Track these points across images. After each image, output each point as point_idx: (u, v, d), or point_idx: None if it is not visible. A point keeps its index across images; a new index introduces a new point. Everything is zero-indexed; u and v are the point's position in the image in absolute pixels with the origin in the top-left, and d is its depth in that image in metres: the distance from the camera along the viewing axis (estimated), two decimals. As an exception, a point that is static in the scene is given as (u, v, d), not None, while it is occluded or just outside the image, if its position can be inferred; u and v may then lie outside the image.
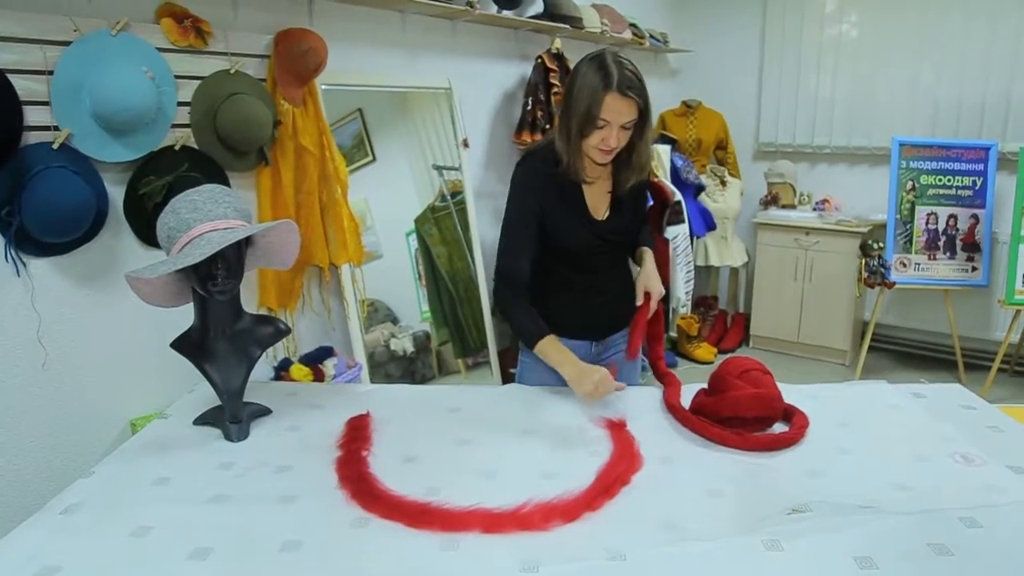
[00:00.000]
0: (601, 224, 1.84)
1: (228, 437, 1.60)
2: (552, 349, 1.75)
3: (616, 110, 1.63)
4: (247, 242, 1.60)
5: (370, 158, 3.06)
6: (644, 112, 1.68)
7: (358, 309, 2.88)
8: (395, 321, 3.14)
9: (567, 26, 3.74)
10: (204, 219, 1.44)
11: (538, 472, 1.44)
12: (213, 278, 1.48)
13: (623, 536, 1.22)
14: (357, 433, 1.57)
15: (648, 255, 1.96)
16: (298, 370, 2.57)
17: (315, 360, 2.67)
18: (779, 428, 1.62)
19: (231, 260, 1.49)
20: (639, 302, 1.87)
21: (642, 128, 1.71)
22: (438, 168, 3.34)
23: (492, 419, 1.70)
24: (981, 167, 4.16)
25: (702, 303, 4.98)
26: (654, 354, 2.00)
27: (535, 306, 1.87)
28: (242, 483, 1.42)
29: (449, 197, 3.38)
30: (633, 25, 4.40)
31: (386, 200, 3.13)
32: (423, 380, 3.22)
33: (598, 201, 1.84)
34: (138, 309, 1.61)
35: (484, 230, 3.54)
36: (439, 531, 1.24)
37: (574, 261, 1.87)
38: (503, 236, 1.84)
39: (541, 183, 1.79)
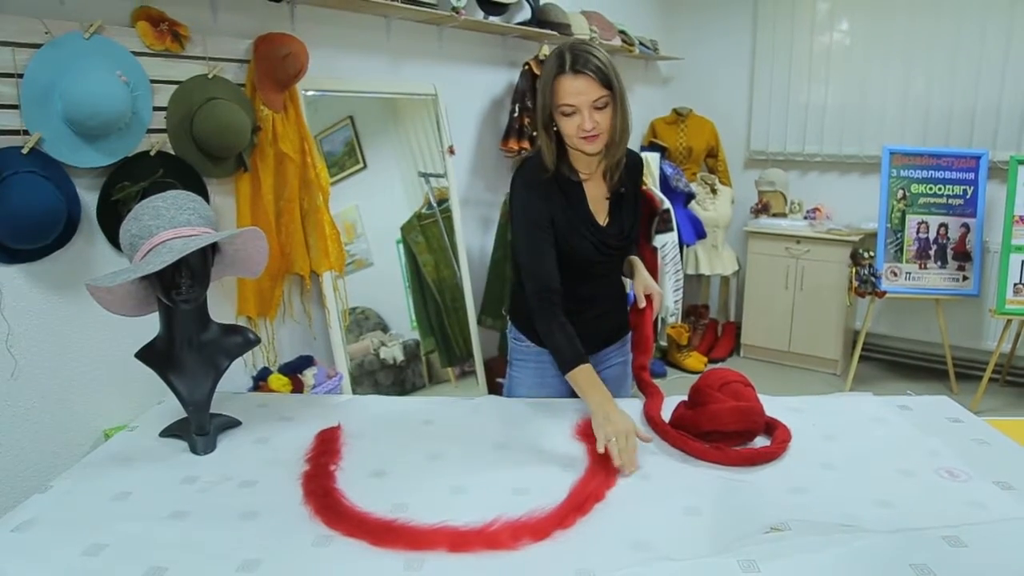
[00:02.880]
0: (604, 230, 1.80)
1: (194, 450, 1.56)
2: (586, 378, 1.62)
3: (575, 91, 1.59)
4: (214, 250, 1.56)
5: (361, 165, 3.03)
6: (612, 89, 1.62)
7: (340, 318, 2.83)
8: (385, 329, 3.10)
9: (555, 33, 3.71)
10: (167, 226, 1.40)
11: (509, 488, 1.39)
12: (177, 287, 1.43)
13: (594, 556, 1.18)
14: (326, 446, 1.53)
15: (639, 263, 1.93)
16: (277, 380, 2.52)
17: (295, 369, 2.63)
18: (760, 442, 1.59)
19: (195, 268, 1.45)
20: (641, 304, 1.84)
21: (615, 106, 1.65)
22: (424, 175, 3.31)
23: (466, 432, 1.66)
24: (972, 176, 4.14)
25: (692, 312, 4.95)
26: (636, 363, 1.96)
27: (523, 324, 1.86)
28: (204, 498, 1.38)
29: (436, 205, 3.35)
30: (623, 32, 4.38)
31: (377, 208, 3.10)
32: (413, 389, 3.18)
33: (598, 207, 1.80)
34: (111, 317, 1.57)
35: (470, 238, 3.50)
36: (404, 550, 1.20)
37: (575, 270, 1.79)
38: (523, 252, 1.74)
39: (544, 189, 1.73)
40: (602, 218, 1.81)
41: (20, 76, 1.91)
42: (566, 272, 1.76)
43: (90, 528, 1.26)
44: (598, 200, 1.80)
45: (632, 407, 1.77)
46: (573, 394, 1.82)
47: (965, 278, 4.17)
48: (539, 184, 1.74)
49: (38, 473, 2.07)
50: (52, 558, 1.18)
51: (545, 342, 1.71)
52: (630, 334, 2.03)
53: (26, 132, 1.93)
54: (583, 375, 1.62)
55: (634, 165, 1.87)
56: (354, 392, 2.81)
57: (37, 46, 1.94)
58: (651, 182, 3.95)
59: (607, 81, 1.60)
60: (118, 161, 2.12)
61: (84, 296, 2.09)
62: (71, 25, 2.00)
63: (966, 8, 4.26)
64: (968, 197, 4.14)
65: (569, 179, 1.75)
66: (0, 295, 1.96)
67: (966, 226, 4.15)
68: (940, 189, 4.17)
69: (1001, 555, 1.18)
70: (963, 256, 4.16)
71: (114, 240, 2.16)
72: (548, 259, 1.71)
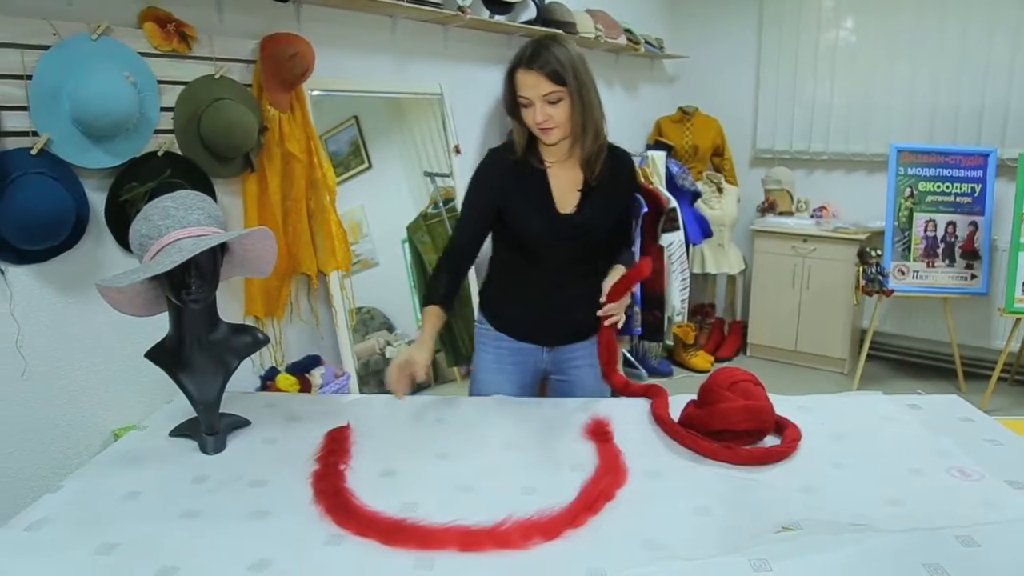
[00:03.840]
0: (564, 216, 1.83)
1: (204, 450, 1.56)
2: (426, 318, 1.82)
3: (528, 85, 1.69)
4: (223, 250, 1.56)
5: (366, 165, 3.03)
6: (564, 85, 1.69)
7: (347, 317, 2.83)
8: (391, 329, 3.10)
9: (561, 32, 3.70)
10: (176, 226, 1.40)
11: (519, 487, 1.39)
12: (186, 286, 1.44)
13: (605, 555, 1.18)
14: (336, 446, 1.53)
15: (617, 268, 1.90)
16: (284, 379, 2.52)
17: (302, 369, 2.62)
18: (770, 441, 1.58)
19: (205, 268, 1.45)
20: (602, 299, 1.81)
21: (573, 101, 1.72)
22: (430, 175, 3.31)
23: (475, 432, 1.66)
24: (980, 173, 4.12)
25: (699, 311, 4.94)
26: (608, 366, 1.92)
27: (490, 302, 2.00)
28: (215, 498, 1.38)
29: (441, 204, 3.35)
30: (628, 31, 4.37)
31: (382, 207, 3.09)
32: (419, 388, 3.18)
33: (567, 198, 1.84)
34: (120, 317, 1.57)
35: (476, 237, 3.49)
36: (414, 549, 1.20)
37: (531, 253, 1.88)
38: (459, 219, 1.95)
39: (500, 173, 1.85)
40: (568, 206, 1.84)
41: (29, 78, 1.91)
42: (522, 256, 1.90)
43: (102, 527, 1.26)
44: (567, 189, 1.85)
45: (637, 407, 1.77)
46: (532, 382, 2.02)
47: (973, 276, 4.15)
48: (501, 162, 1.86)
49: (48, 473, 2.07)
50: (64, 557, 1.19)
51: (429, 280, 1.93)
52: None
53: (35, 133, 1.93)
54: (428, 313, 1.83)
55: (615, 160, 1.88)
56: (360, 392, 2.82)
57: (45, 48, 1.94)
58: (657, 181, 3.94)
59: (559, 77, 1.68)
60: (126, 162, 2.12)
61: (93, 296, 2.10)
62: (79, 26, 2.00)
63: (974, 4, 4.24)
64: (976, 195, 4.12)
65: (533, 165, 1.83)
66: (10, 296, 1.97)
67: (974, 224, 4.13)
68: (948, 187, 4.15)
69: (1015, 555, 1.17)
70: (971, 254, 4.15)
71: (122, 240, 2.17)
72: (470, 226, 1.90)
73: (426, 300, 1.86)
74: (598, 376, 1.99)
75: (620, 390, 1.91)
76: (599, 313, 1.80)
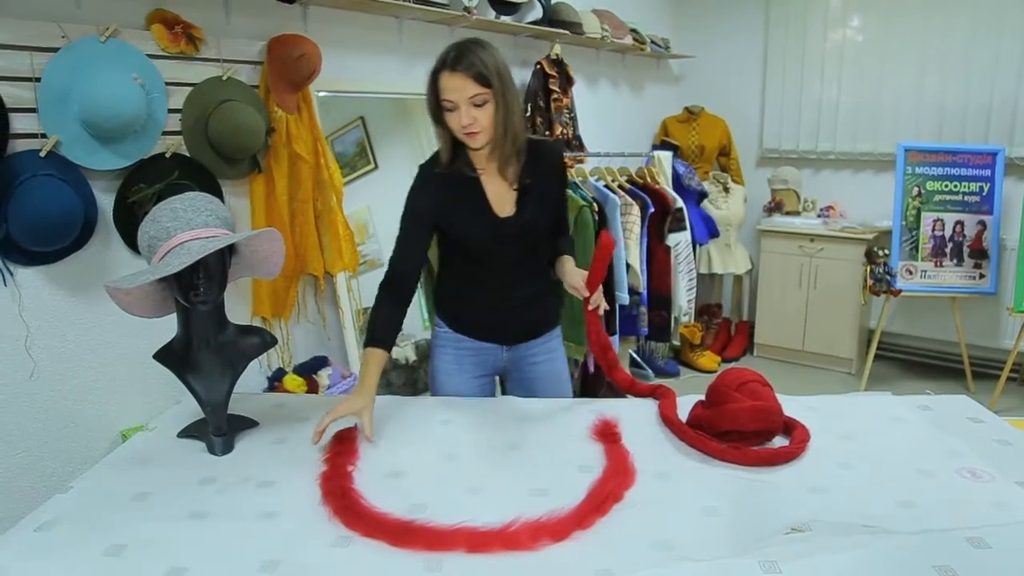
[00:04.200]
0: (503, 220, 1.82)
1: (212, 451, 1.57)
2: (365, 361, 1.71)
3: (453, 87, 1.65)
4: (231, 251, 1.56)
5: (372, 166, 3.03)
6: (489, 87, 1.65)
7: (354, 318, 2.84)
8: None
9: (567, 32, 3.70)
10: (185, 227, 1.41)
11: (527, 488, 1.39)
12: (194, 288, 1.44)
13: (614, 556, 1.18)
14: (343, 447, 1.53)
15: (568, 262, 1.91)
16: (292, 380, 2.53)
17: (309, 370, 2.63)
18: (779, 442, 1.58)
19: (213, 269, 1.46)
20: (584, 294, 1.78)
21: (497, 104, 1.68)
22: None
23: (483, 433, 1.66)
24: (988, 172, 4.10)
25: (705, 311, 4.93)
26: (607, 362, 1.88)
27: (446, 306, 1.96)
28: (223, 499, 1.39)
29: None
30: (634, 31, 4.37)
31: (388, 208, 3.07)
32: (425, 389, 3.17)
33: (503, 200, 1.82)
34: (128, 318, 1.58)
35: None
36: (422, 550, 1.20)
37: (478, 258, 1.86)
38: (397, 237, 1.85)
39: (433, 189, 1.81)
40: (506, 210, 1.82)
41: (38, 80, 1.92)
42: (471, 267, 1.88)
43: (111, 528, 1.27)
44: (502, 192, 1.82)
45: (645, 407, 1.77)
46: (492, 381, 2.01)
47: (982, 276, 4.13)
48: (431, 177, 1.81)
49: (57, 473, 2.08)
50: (74, 558, 1.19)
51: (370, 314, 1.81)
52: (558, 329, 2.05)
53: (44, 135, 1.94)
54: (368, 357, 1.71)
55: (542, 154, 1.86)
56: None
57: (54, 50, 1.95)
58: (663, 181, 3.93)
59: (484, 80, 1.64)
60: (134, 163, 2.13)
61: (101, 297, 2.11)
62: (87, 29, 2.01)
63: (982, 3, 4.23)
64: (984, 194, 4.10)
65: (465, 174, 1.80)
66: (19, 297, 1.97)
67: (982, 223, 4.11)
68: (956, 186, 4.13)
69: (1026, 556, 1.16)
70: (980, 254, 4.13)
71: (130, 242, 2.17)
72: (409, 248, 1.82)
73: (368, 340, 1.73)
74: (556, 372, 2.02)
75: (626, 388, 1.90)
76: (589, 308, 1.78)
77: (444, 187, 1.80)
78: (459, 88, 1.64)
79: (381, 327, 1.75)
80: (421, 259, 1.84)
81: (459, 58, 1.64)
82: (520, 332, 1.98)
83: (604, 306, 1.79)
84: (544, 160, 1.86)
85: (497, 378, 2.08)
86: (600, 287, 1.78)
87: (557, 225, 1.97)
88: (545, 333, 2.01)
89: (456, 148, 1.78)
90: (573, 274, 1.83)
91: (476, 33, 3.41)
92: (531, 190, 1.83)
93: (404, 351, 3.10)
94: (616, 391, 2.01)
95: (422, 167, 1.86)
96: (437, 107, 1.71)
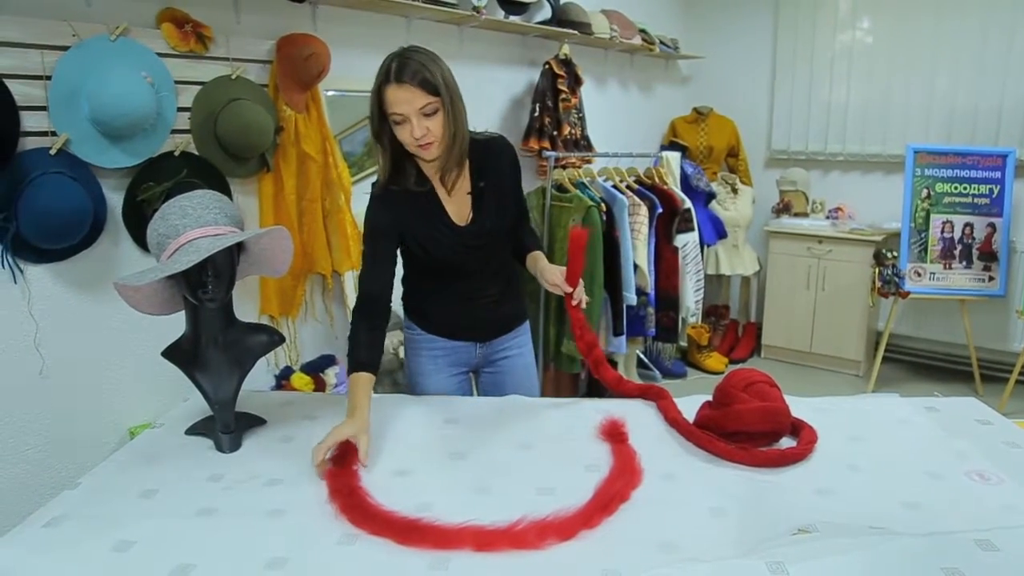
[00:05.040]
0: (464, 229, 1.79)
1: (219, 448, 1.57)
2: (354, 386, 1.63)
3: (401, 100, 1.57)
4: (240, 249, 1.57)
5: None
6: (438, 95, 1.59)
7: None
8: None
9: (576, 32, 3.70)
10: (193, 225, 1.41)
11: (534, 487, 1.39)
12: (203, 285, 1.45)
13: (620, 556, 1.18)
14: (350, 445, 1.53)
15: (540, 258, 1.87)
16: (299, 379, 2.54)
17: (317, 369, 2.64)
18: (786, 443, 1.57)
19: (221, 267, 1.46)
20: (567, 289, 1.75)
21: (446, 112, 1.63)
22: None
23: (489, 432, 1.66)
24: (998, 175, 4.08)
25: (713, 312, 4.92)
26: (593, 359, 1.83)
27: (416, 308, 1.95)
28: (230, 496, 1.39)
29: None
30: (643, 31, 4.36)
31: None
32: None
33: (460, 208, 1.79)
34: (137, 316, 1.58)
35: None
36: (429, 549, 1.20)
37: (446, 269, 1.84)
38: (362, 258, 1.80)
39: (389, 208, 1.75)
40: (464, 217, 1.79)
41: (48, 78, 1.93)
42: (437, 273, 1.84)
43: (119, 525, 1.28)
44: (457, 200, 1.79)
45: (652, 408, 1.76)
46: (468, 378, 2.04)
47: (991, 278, 4.11)
48: (388, 194, 1.75)
49: (64, 470, 2.09)
50: (82, 554, 1.20)
51: (349, 340, 1.73)
52: (527, 323, 2.05)
53: (54, 133, 1.95)
54: (356, 381, 1.64)
55: (490, 153, 1.82)
56: (374, 392, 2.81)
57: (65, 48, 1.96)
58: (671, 182, 3.93)
59: (432, 88, 1.58)
60: (143, 161, 2.14)
61: (110, 295, 2.11)
62: (98, 27, 2.02)
63: (992, 4, 4.20)
64: (994, 196, 4.08)
65: (420, 186, 1.75)
66: (28, 294, 1.99)
67: (992, 226, 4.09)
68: (965, 188, 4.11)
69: (1035, 559, 1.16)
70: (989, 256, 4.11)
71: (139, 239, 2.18)
72: (377, 268, 1.75)
73: (351, 366, 1.68)
74: (526, 364, 2.02)
75: (613, 387, 1.86)
76: (572, 304, 1.75)
77: (400, 203, 1.74)
78: (408, 100, 1.57)
79: (363, 351, 1.69)
80: (391, 278, 1.78)
81: (403, 68, 1.57)
82: (491, 328, 1.97)
83: (585, 299, 1.77)
84: (493, 158, 1.81)
85: (471, 374, 2.08)
86: (580, 281, 1.75)
87: (519, 219, 1.93)
88: (516, 327, 2.00)
89: (398, 163, 1.72)
90: (550, 271, 1.78)
91: (484, 33, 3.42)
92: (486, 192, 1.80)
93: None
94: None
95: (374, 186, 1.79)
96: (380, 123, 1.65)
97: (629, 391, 1.86)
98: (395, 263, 1.80)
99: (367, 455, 1.48)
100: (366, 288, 1.76)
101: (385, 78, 1.59)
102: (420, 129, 1.60)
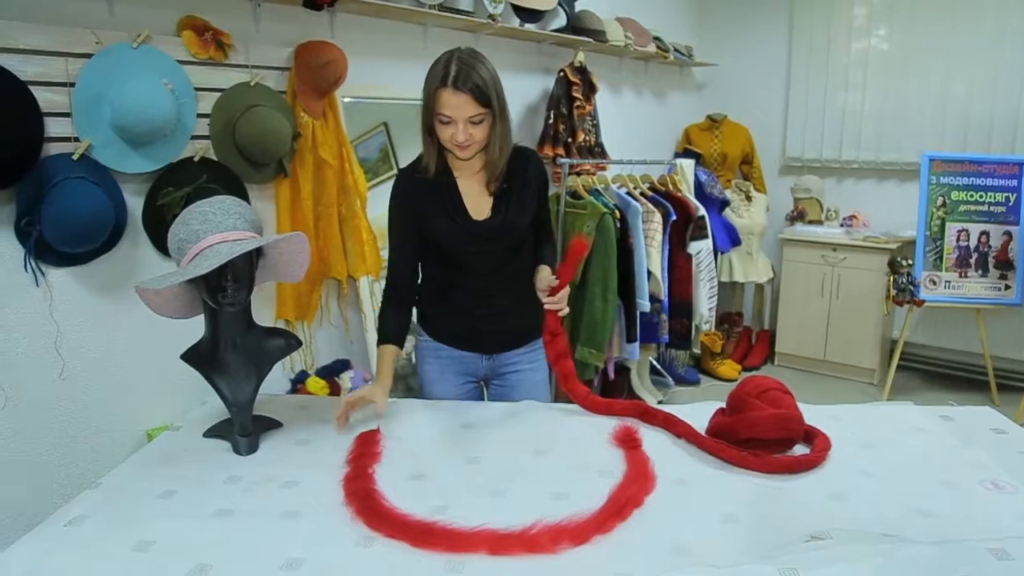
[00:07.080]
0: (479, 223, 1.82)
1: (237, 450, 1.59)
2: (380, 356, 1.84)
3: (453, 105, 1.64)
4: (258, 254, 1.59)
5: (395, 171, 3.05)
6: (489, 107, 1.67)
7: (376, 322, 2.86)
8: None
9: (590, 40, 3.72)
10: (214, 230, 1.44)
11: (548, 492, 1.40)
12: (222, 289, 1.47)
13: (633, 561, 1.18)
14: (366, 448, 1.55)
15: (544, 270, 1.90)
16: (314, 383, 2.56)
17: (332, 373, 2.66)
18: (800, 450, 1.57)
19: (241, 272, 1.48)
20: (554, 284, 1.78)
21: (494, 123, 1.71)
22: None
23: (504, 436, 1.67)
24: (1014, 183, 4.05)
25: (726, 319, 4.91)
26: (561, 370, 1.85)
27: (426, 315, 1.99)
28: (248, 498, 1.41)
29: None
30: (657, 39, 4.37)
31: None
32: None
33: (480, 203, 1.83)
34: (156, 319, 1.61)
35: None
36: (444, 552, 1.21)
37: (454, 262, 1.87)
38: (389, 241, 1.91)
39: (412, 192, 1.84)
40: (482, 213, 1.83)
41: (72, 85, 1.97)
42: (449, 263, 1.88)
43: (138, 525, 1.30)
44: (479, 196, 1.84)
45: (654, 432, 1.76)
46: (475, 389, 2.06)
47: (1007, 287, 4.08)
48: (409, 184, 1.85)
49: (83, 471, 2.12)
50: (103, 553, 1.22)
51: (378, 318, 1.91)
52: (541, 340, 2.01)
53: (77, 139, 1.98)
54: (382, 353, 1.84)
55: (520, 160, 1.86)
56: (389, 396, 2.83)
57: (88, 55, 1.99)
58: (686, 189, 3.93)
59: (485, 100, 1.65)
60: (163, 167, 2.17)
61: (130, 298, 2.15)
62: (120, 35, 2.05)
63: (1008, 11, 4.19)
64: (1011, 204, 4.06)
65: (442, 178, 1.82)
66: (50, 297, 2.01)
67: (1008, 234, 4.06)
68: (981, 196, 4.09)
69: (1049, 569, 1.15)
70: (1005, 264, 4.08)
71: (158, 244, 2.21)
72: (403, 255, 1.89)
73: (379, 340, 1.86)
74: (536, 381, 2.01)
75: (581, 402, 1.83)
76: (550, 307, 1.78)
77: (422, 190, 1.82)
78: (460, 107, 1.64)
79: (390, 327, 1.87)
80: (416, 264, 1.92)
81: (461, 77, 1.63)
82: (499, 341, 1.97)
83: (565, 309, 1.79)
84: (521, 166, 1.86)
85: (482, 383, 2.09)
86: (567, 289, 1.78)
87: (540, 229, 1.96)
88: (528, 343, 1.99)
89: (439, 154, 1.80)
90: (541, 275, 1.86)
91: (500, 40, 3.44)
92: (508, 195, 1.84)
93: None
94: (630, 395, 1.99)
95: (401, 171, 1.90)
96: (429, 114, 1.71)
97: (599, 409, 1.81)
98: (418, 250, 1.90)
99: (384, 404, 1.71)
100: (392, 276, 1.91)
101: (442, 82, 1.64)
102: (464, 134, 1.67)
